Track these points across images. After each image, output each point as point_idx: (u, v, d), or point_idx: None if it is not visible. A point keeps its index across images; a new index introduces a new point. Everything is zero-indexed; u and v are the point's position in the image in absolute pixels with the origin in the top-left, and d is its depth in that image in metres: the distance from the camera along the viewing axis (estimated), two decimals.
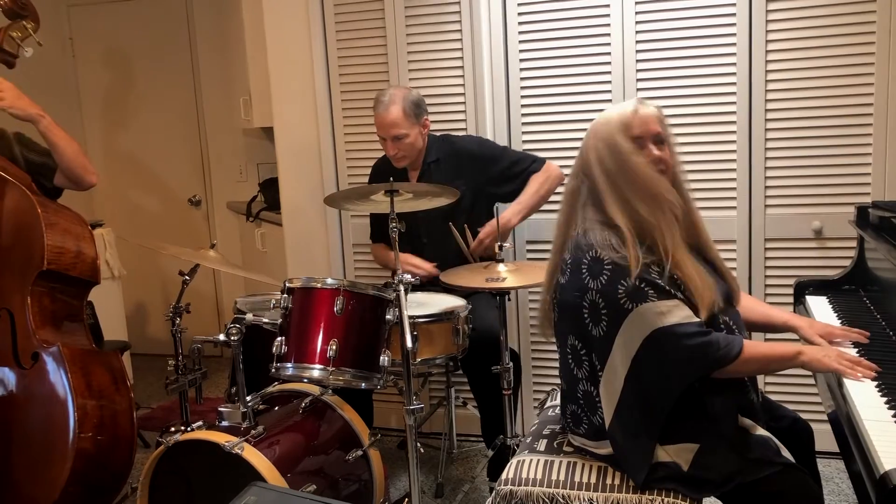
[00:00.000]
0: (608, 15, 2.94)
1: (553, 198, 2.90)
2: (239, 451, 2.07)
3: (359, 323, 2.32)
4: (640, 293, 1.67)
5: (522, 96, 3.10)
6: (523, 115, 3.11)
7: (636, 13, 2.91)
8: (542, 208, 2.95)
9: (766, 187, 2.89)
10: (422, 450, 2.63)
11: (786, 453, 1.72)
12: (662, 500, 1.69)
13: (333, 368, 2.26)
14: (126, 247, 4.12)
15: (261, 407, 2.39)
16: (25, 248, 2.31)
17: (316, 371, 2.27)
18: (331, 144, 3.36)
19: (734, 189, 2.92)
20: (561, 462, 1.85)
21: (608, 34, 2.96)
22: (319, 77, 3.31)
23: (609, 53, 2.96)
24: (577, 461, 1.85)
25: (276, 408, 2.46)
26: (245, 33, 3.88)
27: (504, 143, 3.11)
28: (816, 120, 2.81)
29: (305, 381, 2.34)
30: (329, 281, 2.35)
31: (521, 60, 3.08)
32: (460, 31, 3.11)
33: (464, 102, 3.16)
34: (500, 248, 2.55)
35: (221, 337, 2.26)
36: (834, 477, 2.83)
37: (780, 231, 2.90)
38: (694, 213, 1.83)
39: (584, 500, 1.75)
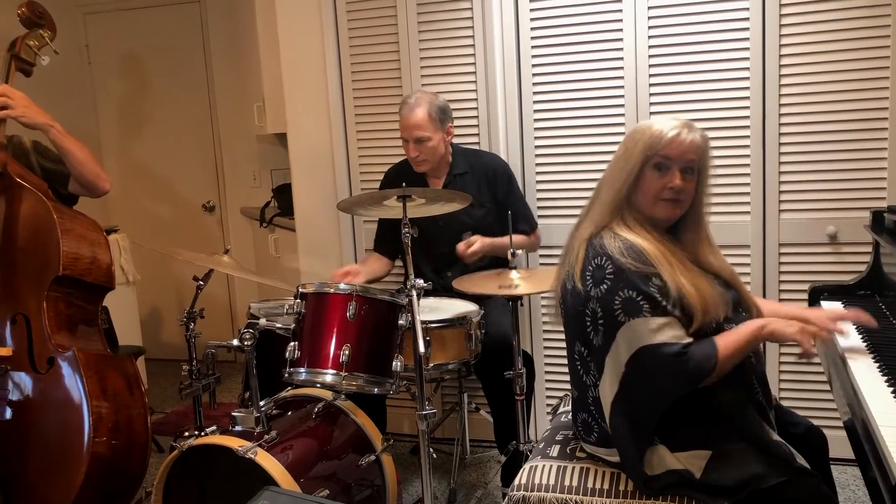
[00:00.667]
0: (621, 20, 2.94)
1: (572, 196, 2.87)
2: (252, 456, 2.08)
3: (371, 328, 2.32)
4: (635, 306, 1.67)
5: (535, 102, 3.10)
6: (535, 121, 3.11)
7: (649, 19, 2.91)
8: (554, 214, 2.94)
9: (781, 192, 2.87)
10: (434, 455, 2.64)
11: (800, 460, 1.71)
12: None
13: (346, 373, 2.27)
14: (140, 252, 4.15)
15: (274, 412, 2.40)
16: (42, 253, 2.33)
17: (329, 376, 2.27)
18: (344, 150, 3.37)
19: (748, 194, 2.90)
20: (574, 468, 1.85)
21: (621, 40, 2.95)
22: (333, 83, 3.33)
23: (622, 59, 2.96)
24: (589, 467, 1.84)
25: (290, 413, 2.46)
26: (259, 40, 3.91)
27: (516, 150, 3.13)
28: (830, 124, 2.79)
29: (318, 386, 2.34)
30: (342, 286, 2.35)
31: (534, 66, 3.08)
32: (473, 37, 3.12)
33: (476, 109, 3.16)
34: (513, 254, 2.55)
35: (235, 342, 2.27)
36: (850, 484, 2.80)
37: (794, 236, 2.88)
38: (703, 229, 1.84)
39: None
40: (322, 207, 3.44)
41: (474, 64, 3.14)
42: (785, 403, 2.05)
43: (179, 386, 2.39)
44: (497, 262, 2.86)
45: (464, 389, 3.08)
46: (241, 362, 4.38)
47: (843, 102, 2.77)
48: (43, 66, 2.57)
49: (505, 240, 2.66)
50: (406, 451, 3.31)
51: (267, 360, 2.42)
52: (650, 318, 1.66)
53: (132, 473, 2.35)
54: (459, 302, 2.72)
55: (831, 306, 2.28)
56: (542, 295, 3.12)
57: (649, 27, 2.91)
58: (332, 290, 2.33)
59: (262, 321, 2.42)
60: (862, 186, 2.79)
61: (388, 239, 3.04)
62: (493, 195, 2.93)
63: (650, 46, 2.92)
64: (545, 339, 3.23)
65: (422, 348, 2.09)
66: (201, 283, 2.49)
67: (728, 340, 1.68)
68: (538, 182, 3.13)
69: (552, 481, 1.82)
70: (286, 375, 2.31)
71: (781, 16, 2.77)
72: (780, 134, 2.84)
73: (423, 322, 2.32)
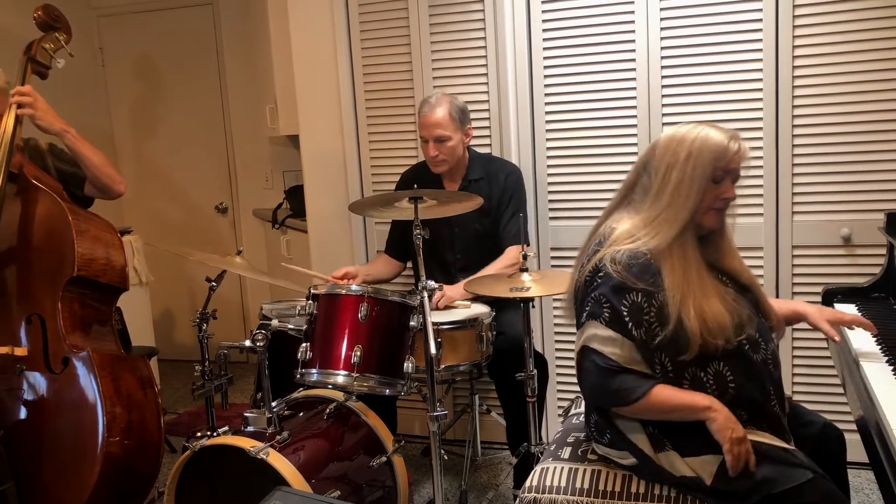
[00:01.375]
0: (633, 21, 2.93)
1: (583, 197, 2.87)
2: (264, 457, 2.09)
3: (383, 329, 2.32)
4: (598, 309, 1.72)
5: (547, 102, 3.10)
6: (547, 121, 3.10)
7: (661, 20, 2.90)
8: (566, 216, 2.93)
9: (794, 194, 2.85)
10: (445, 457, 2.63)
11: (812, 464, 1.70)
12: None
13: (358, 375, 2.27)
14: (154, 253, 4.17)
15: (286, 413, 2.41)
16: (57, 254, 2.35)
17: (340, 377, 2.28)
18: (355, 152, 3.38)
19: (761, 196, 2.89)
20: (585, 470, 1.85)
21: (633, 41, 2.95)
22: (345, 85, 3.34)
23: (634, 60, 2.95)
24: (601, 469, 1.84)
25: (301, 413, 2.47)
26: (271, 42, 3.92)
27: (528, 152, 3.13)
28: (844, 125, 2.77)
29: (330, 387, 2.35)
30: (354, 287, 2.36)
31: (546, 68, 3.08)
32: (484, 39, 3.12)
33: (488, 110, 3.16)
34: (525, 257, 2.55)
35: (247, 343, 2.28)
36: (864, 488, 2.78)
37: (807, 238, 2.87)
38: (728, 233, 1.85)
39: None
40: (334, 209, 3.45)
41: (486, 66, 3.14)
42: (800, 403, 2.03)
43: (192, 386, 2.41)
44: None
45: (475, 391, 3.08)
46: (253, 363, 4.40)
47: (856, 104, 2.75)
48: (58, 69, 2.60)
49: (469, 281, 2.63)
50: (417, 452, 3.31)
51: (279, 361, 2.43)
52: (604, 327, 1.70)
53: (145, 473, 2.37)
54: (471, 304, 2.72)
55: (845, 309, 2.26)
56: (555, 297, 3.12)
57: (661, 28, 2.90)
58: (343, 292, 2.34)
59: (275, 322, 2.43)
60: (876, 188, 2.77)
61: (398, 241, 3.04)
62: (509, 196, 2.93)
63: (662, 48, 2.91)
64: (557, 341, 3.22)
65: (433, 350, 2.10)
66: (214, 284, 2.51)
67: (669, 394, 1.69)
68: (549, 184, 3.13)
69: (563, 483, 1.82)
70: (298, 376, 2.32)
71: (795, 17, 2.76)
72: (794, 135, 2.82)
73: (434, 323, 2.32)
